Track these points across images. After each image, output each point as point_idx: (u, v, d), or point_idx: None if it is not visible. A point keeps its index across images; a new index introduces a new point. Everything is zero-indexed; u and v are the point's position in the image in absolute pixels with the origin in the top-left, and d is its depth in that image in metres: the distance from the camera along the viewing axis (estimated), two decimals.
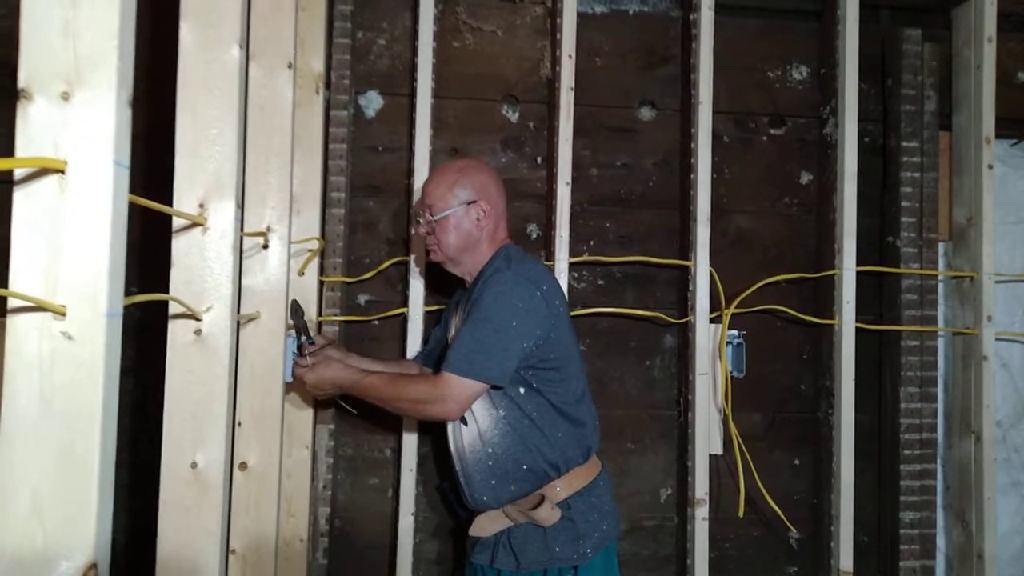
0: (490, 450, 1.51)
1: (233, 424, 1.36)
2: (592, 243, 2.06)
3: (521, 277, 1.48)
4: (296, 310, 1.59)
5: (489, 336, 1.44)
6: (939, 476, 2.13)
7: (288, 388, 1.65)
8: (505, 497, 1.52)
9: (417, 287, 1.89)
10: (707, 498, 1.92)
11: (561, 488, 1.52)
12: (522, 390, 1.50)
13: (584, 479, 1.55)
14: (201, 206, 1.16)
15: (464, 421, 1.53)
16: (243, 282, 1.47)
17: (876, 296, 2.11)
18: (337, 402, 1.84)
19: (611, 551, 1.58)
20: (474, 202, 1.57)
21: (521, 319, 1.45)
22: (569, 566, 1.49)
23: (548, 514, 1.49)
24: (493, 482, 1.52)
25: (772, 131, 2.14)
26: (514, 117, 2.06)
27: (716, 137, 2.01)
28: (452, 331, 1.64)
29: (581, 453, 1.55)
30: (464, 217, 1.57)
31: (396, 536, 1.85)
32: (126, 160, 0.79)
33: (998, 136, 2.06)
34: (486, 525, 1.55)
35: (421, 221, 1.62)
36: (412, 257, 1.91)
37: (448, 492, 1.66)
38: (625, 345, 2.07)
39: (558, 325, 1.51)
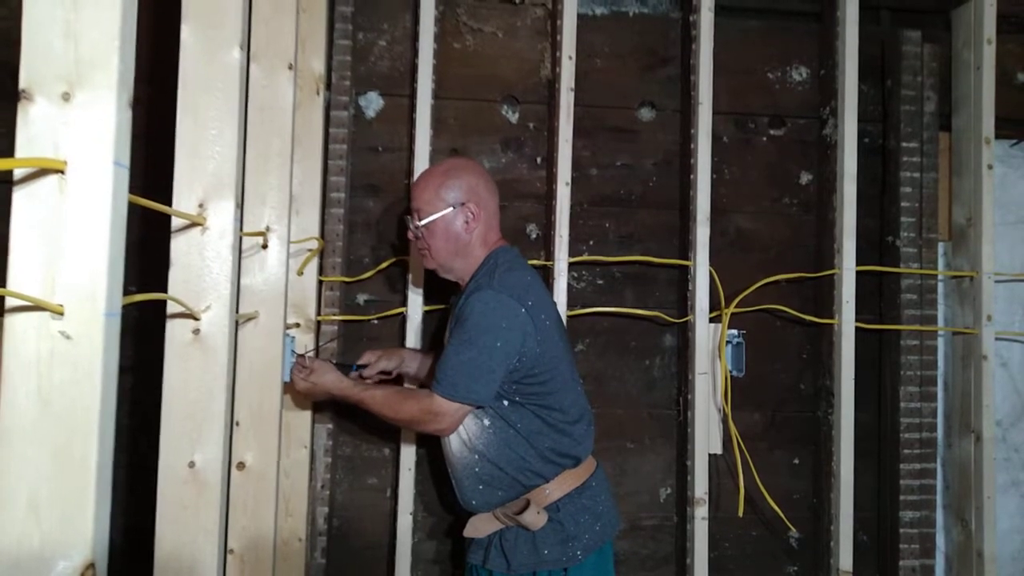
0: (477, 457, 1.51)
1: (231, 424, 1.36)
2: (592, 243, 2.06)
3: (504, 294, 1.45)
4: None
5: (474, 358, 1.43)
6: (939, 476, 2.13)
7: (286, 388, 1.66)
8: (494, 501, 1.53)
9: (416, 287, 1.89)
10: (707, 497, 1.92)
11: (551, 490, 1.51)
12: (506, 403, 1.50)
13: (575, 481, 1.54)
14: (200, 206, 1.16)
15: None
16: (242, 282, 1.47)
17: (876, 296, 2.11)
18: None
19: (605, 552, 1.56)
20: (463, 204, 1.53)
21: (505, 339, 1.43)
22: (559, 568, 1.49)
23: (534, 519, 1.48)
24: (481, 487, 1.52)
25: (772, 132, 2.14)
26: (514, 118, 2.06)
27: (716, 138, 2.01)
28: (447, 336, 1.63)
29: (570, 461, 1.54)
30: (453, 221, 1.53)
31: (395, 535, 1.85)
32: (126, 160, 0.79)
33: (998, 136, 2.06)
34: (478, 527, 1.56)
35: (410, 226, 1.58)
36: (411, 257, 1.91)
37: None
38: (625, 345, 2.07)
39: (545, 340, 1.48)
